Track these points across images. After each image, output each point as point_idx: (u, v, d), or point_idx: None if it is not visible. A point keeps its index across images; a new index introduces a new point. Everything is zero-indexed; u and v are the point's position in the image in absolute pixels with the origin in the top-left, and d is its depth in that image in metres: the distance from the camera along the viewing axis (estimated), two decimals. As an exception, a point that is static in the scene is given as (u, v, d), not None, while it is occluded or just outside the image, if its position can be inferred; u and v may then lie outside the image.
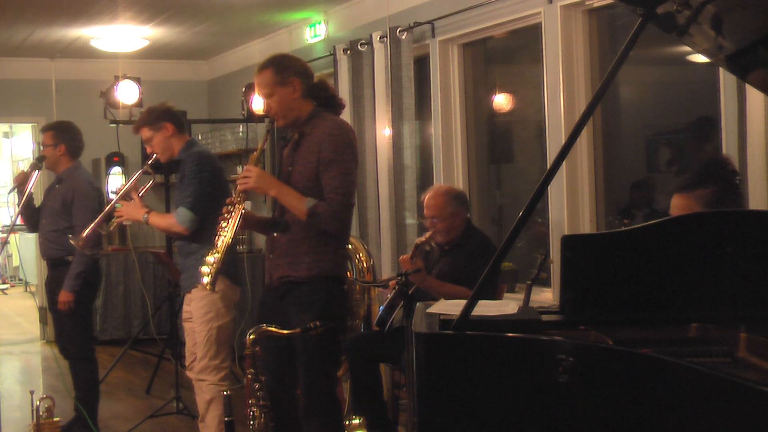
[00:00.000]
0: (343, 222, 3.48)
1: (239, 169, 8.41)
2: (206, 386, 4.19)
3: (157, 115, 4.28)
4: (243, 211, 3.51)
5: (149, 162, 4.37)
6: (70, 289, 4.90)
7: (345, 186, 3.44)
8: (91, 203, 4.96)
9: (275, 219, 3.64)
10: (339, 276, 3.58)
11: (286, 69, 3.54)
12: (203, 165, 4.17)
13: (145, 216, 4.18)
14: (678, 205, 2.95)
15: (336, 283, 3.57)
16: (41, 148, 5.17)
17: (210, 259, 3.54)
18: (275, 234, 3.61)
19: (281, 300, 3.59)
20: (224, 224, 3.53)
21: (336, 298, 3.57)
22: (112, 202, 4.43)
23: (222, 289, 4.14)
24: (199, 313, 4.18)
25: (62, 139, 5.08)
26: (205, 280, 3.54)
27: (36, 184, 5.23)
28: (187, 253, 4.23)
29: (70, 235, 4.58)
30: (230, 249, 4.20)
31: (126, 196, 4.33)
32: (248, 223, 3.70)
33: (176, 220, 4.12)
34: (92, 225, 4.52)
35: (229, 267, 4.15)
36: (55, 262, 5.07)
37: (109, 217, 4.48)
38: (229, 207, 3.52)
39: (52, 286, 5.10)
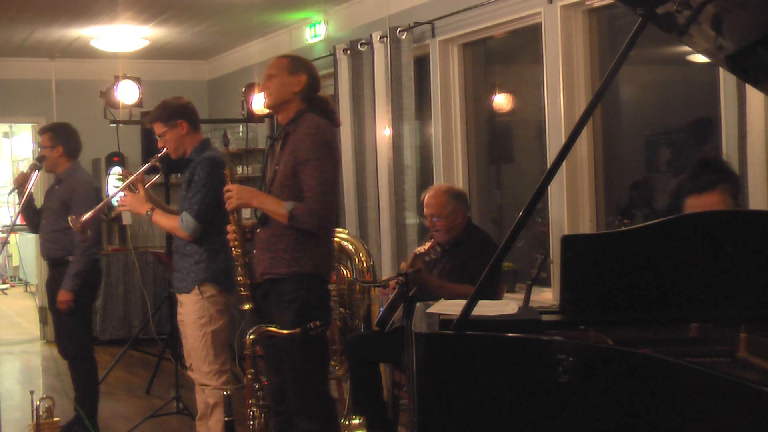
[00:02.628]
0: (321, 218, 3.52)
1: (240, 169, 8.43)
2: (209, 391, 4.18)
3: (172, 111, 4.19)
4: (243, 227, 3.69)
5: (158, 155, 4.30)
6: (69, 288, 4.90)
7: (322, 183, 3.50)
8: (89, 203, 4.95)
9: (256, 216, 3.72)
10: (319, 273, 3.61)
11: (301, 65, 3.68)
12: (214, 172, 4.08)
13: (149, 212, 4.16)
14: (701, 204, 2.96)
15: (316, 281, 3.60)
16: (40, 149, 5.16)
17: (240, 280, 3.68)
18: (257, 230, 3.66)
19: (264, 299, 3.64)
20: (236, 249, 3.68)
21: (317, 296, 3.60)
22: (117, 191, 4.37)
23: (212, 294, 4.15)
24: (191, 318, 4.17)
25: (60, 140, 5.07)
26: (246, 304, 3.70)
27: (37, 184, 5.24)
28: (184, 255, 4.21)
29: (71, 216, 4.49)
30: (225, 253, 4.23)
31: (131, 187, 4.25)
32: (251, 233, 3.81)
33: (180, 225, 4.11)
34: (94, 210, 4.49)
35: (219, 274, 4.16)
36: (56, 262, 5.07)
37: (111, 206, 4.47)
38: (234, 234, 3.67)
39: (52, 286, 5.10)
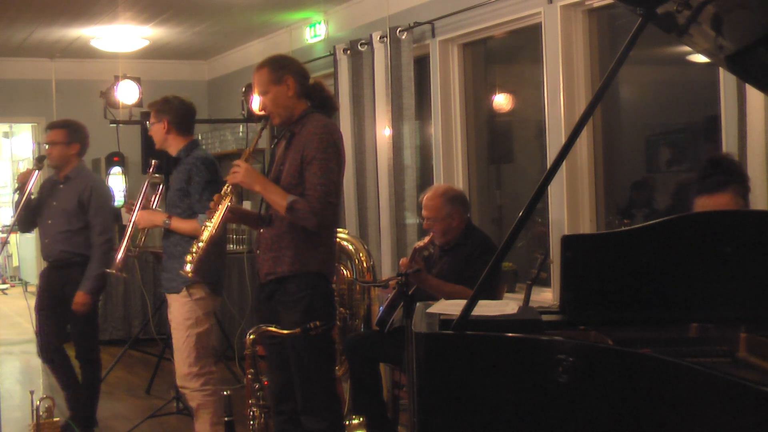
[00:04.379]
0: (321, 218, 3.49)
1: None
2: (189, 394, 4.19)
3: (162, 107, 4.28)
4: (229, 204, 3.61)
5: (150, 170, 4.43)
6: (89, 290, 4.82)
7: (325, 183, 3.48)
8: (110, 202, 4.95)
9: (261, 215, 3.68)
10: (323, 272, 3.60)
11: (281, 68, 3.62)
12: (211, 170, 4.17)
13: (167, 221, 4.18)
14: (711, 205, 2.96)
15: (321, 280, 3.60)
16: (46, 146, 5.01)
17: (194, 248, 3.62)
18: (261, 230, 3.65)
19: (269, 299, 3.63)
20: (210, 219, 3.61)
21: (322, 295, 3.59)
22: (131, 222, 4.38)
23: (202, 297, 4.15)
24: (178, 320, 4.17)
25: (76, 138, 4.98)
26: (188, 267, 3.61)
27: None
28: (173, 255, 4.20)
29: (110, 270, 4.57)
30: (217, 254, 4.23)
31: (143, 206, 4.36)
32: (235, 215, 3.79)
33: (200, 225, 4.11)
34: (122, 249, 4.49)
35: (209, 275, 4.15)
36: (61, 263, 4.92)
37: (134, 236, 4.49)
38: (217, 200, 3.60)
39: (49, 286, 4.97)
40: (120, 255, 4.49)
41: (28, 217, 5.03)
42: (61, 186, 4.98)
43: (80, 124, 5.10)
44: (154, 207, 4.40)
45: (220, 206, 3.59)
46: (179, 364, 4.19)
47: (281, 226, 3.57)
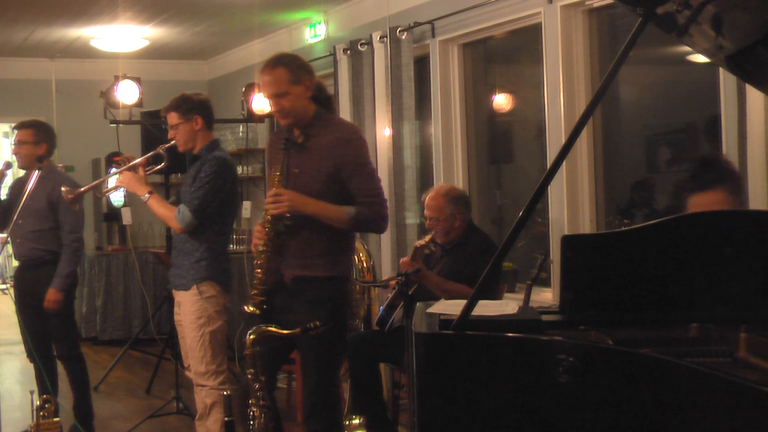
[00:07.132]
0: (386, 219, 3.51)
1: (240, 169, 8.41)
2: (207, 391, 4.19)
3: (191, 105, 4.21)
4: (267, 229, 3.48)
5: (166, 145, 4.30)
6: (60, 288, 4.81)
7: (377, 186, 3.50)
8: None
9: (285, 225, 3.51)
10: (347, 275, 3.59)
11: (298, 68, 3.50)
12: (221, 172, 4.09)
13: (147, 195, 4.13)
14: (703, 203, 2.95)
15: (346, 283, 3.58)
16: (16, 145, 4.95)
17: (255, 281, 3.55)
18: (280, 236, 3.52)
19: (292, 297, 3.53)
20: (261, 249, 3.49)
21: (346, 296, 3.57)
22: (119, 170, 4.29)
23: (213, 294, 4.14)
24: (189, 318, 4.16)
25: (45, 138, 4.95)
26: (251, 307, 3.54)
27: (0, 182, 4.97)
28: (184, 252, 4.19)
29: (63, 188, 4.44)
30: (225, 256, 4.21)
31: (132, 169, 4.23)
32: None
33: (175, 216, 4.10)
34: (90, 185, 4.46)
35: (220, 273, 4.16)
36: (34, 262, 4.92)
37: (99, 186, 4.42)
38: (261, 235, 3.48)
39: (27, 287, 4.95)
40: (84, 188, 4.47)
41: (1, 216, 5.00)
42: (33, 186, 4.84)
43: (48, 125, 5.10)
44: (147, 173, 4.26)
45: (263, 234, 3.47)
46: (195, 363, 4.18)
47: (309, 234, 3.46)
